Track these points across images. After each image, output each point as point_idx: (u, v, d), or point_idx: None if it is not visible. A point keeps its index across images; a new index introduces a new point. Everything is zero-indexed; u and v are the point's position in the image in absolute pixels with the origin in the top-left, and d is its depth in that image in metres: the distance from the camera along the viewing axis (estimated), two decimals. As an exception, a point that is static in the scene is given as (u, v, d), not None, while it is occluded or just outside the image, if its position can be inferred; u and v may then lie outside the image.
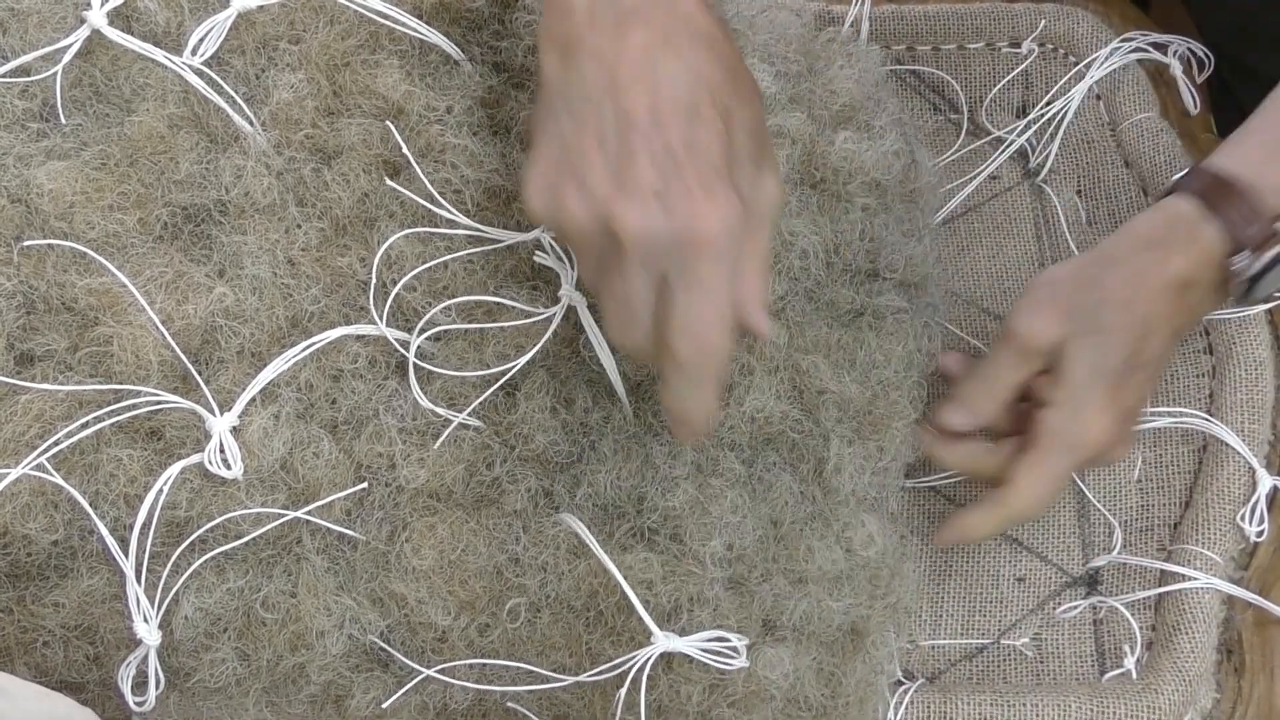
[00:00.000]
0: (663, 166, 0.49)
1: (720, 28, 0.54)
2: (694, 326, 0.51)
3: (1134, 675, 0.67)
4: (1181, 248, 0.64)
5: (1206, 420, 0.71)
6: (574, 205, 0.50)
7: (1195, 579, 0.67)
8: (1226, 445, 0.70)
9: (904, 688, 0.66)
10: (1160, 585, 0.68)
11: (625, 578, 0.57)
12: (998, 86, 0.83)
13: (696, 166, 0.50)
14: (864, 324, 0.67)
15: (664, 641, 0.56)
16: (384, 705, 0.58)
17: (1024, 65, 0.83)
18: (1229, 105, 0.80)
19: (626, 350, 0.55)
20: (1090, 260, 0.66)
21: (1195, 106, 0.80)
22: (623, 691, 0.56)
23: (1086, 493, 0.72)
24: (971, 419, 0.67)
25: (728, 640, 0.56)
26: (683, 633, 0.57)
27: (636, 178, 0.49)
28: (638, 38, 0.51)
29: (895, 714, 0.65)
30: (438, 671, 0.58)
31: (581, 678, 0.58)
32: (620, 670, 0.56)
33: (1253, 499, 0.68)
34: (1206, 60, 0.79)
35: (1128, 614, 0.68)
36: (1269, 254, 0.63)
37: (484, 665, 0.59)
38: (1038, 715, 0.64)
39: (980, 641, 0.70)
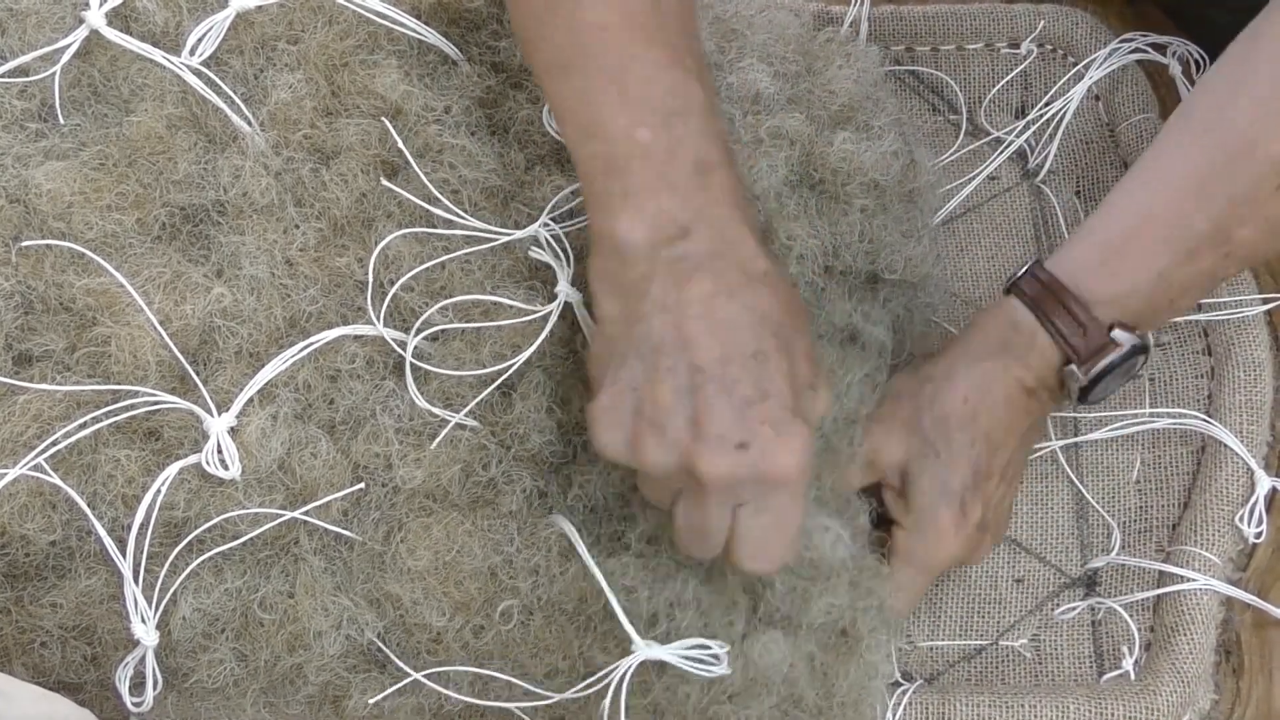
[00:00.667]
0: (739, 414, 0.52)
1: (775, 265, 0.55)
2: (768, 550, 0.55)
3: (1132, 676, 0.67)
4: (1020, 355, 0.65)
5: (1205, 421, 0.71)
6: (655, 453, 0.53)
7: (1194, 580, 0.67)
8: (1225, 446, 0.70)
9: (902, 689, 0.66)
10: (1158, 586, 0.68)
11: (610, 583, 0.57)
12: (997, 87, 0.83)
13: (769, 409, 0.52)
14: (852, 352, 0.67)
15: (645, 650, 0.56)
16: (370, 701, 0.58)
17: (1023, 66, 0.83)
18: None
19: (695, 559, 0.58)
20: (933, 372, 0.67)
21: None
22: (606, 703, 0.55)
23: (1085, 494, 0.72)
24: None
25: (709, 648, 0.56)
26: (668, 636, 0.57)
27: (716, 428, 0.52)
28: (701, 288, 0.53)
29: (894, 715, 0.65)
30: (427, 676, 0.58)
31: (562, 695, 0.58)
32: (604, 682, 0.56)
33: (1251, 500, 0.68)
34: (1203, 61, 0.79)
35: (1126, 615, 0.68)
36: (1098, 366, 0.64)
37: (476, 674, 0.59)
38: (1036, 716, 0.64)
39: (979, 643, 0.70)
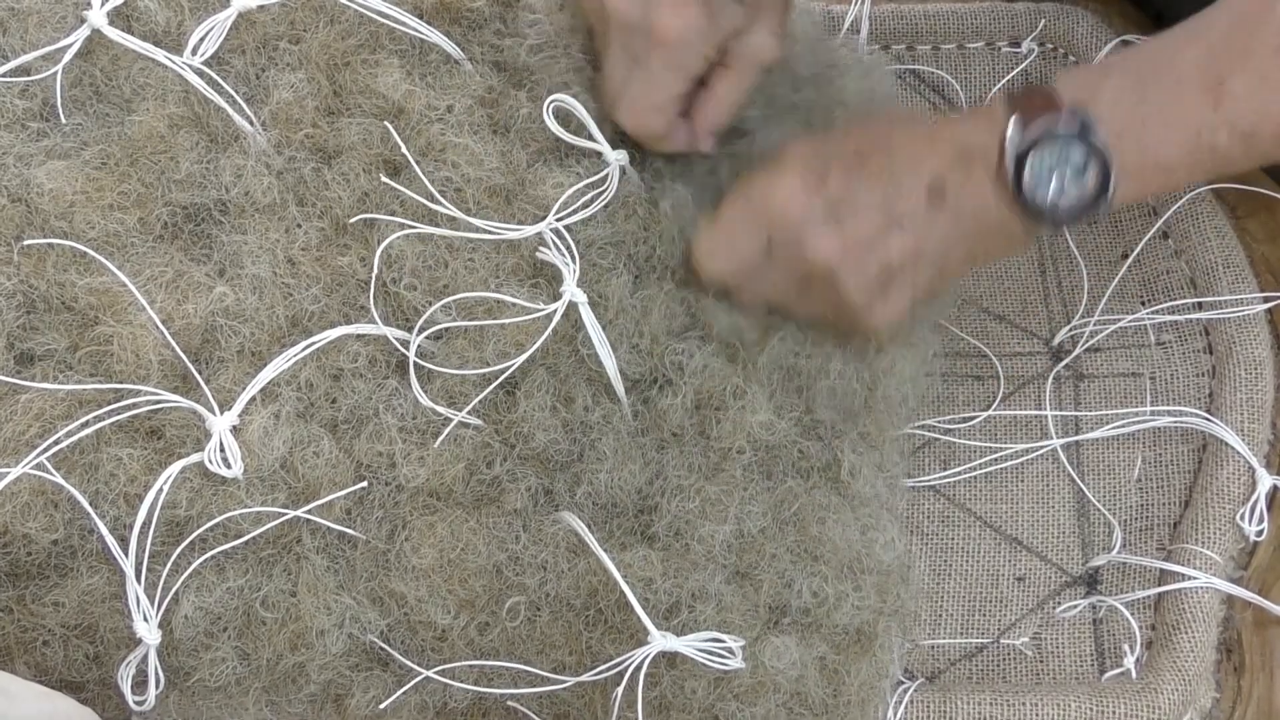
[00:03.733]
0: None
1: None
2: (634, 105, 0.63)
3: (1133, 674, 0.67)
4: (966, 117, 0.63)
5: (1206, 419, 0.71)
6: None
7: (1195, 578, 0.67)
8: (1226, 445, 0.70)
9: (904, 687, 0.66)
10: (1160, 584, 0.68)
11: (624, 576, 0.57)
12: (998, 86, 0.83)
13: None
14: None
15: (660, 641, 0.56)
16: (382, 705, 0.58)
17: (1024, 65, 0.83)
18: None
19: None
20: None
21: None
22: (619, 691, 0.56)
23: (1086, 492, 0.72)
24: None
25: (723, 641, 0.56)
26: (683, 629, 0.57)
27: None
28: None
29: (895, 713, 0.65)
30: (436, 673, 0.58)
31: (579, 679, 0.58)
32: (618, 669, 0.56)
33: (1252, 498, 0.68)
34: None
35: (1127, 613, 0.68)
36: (1036, 127, 0.57)
37: (483, 666, 0.59)
38: (1037, 715, 0.64)
39: (980, 641, 0.70)
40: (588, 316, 0.60)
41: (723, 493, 0.61)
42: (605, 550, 0.58)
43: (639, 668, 0.56)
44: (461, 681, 0.59)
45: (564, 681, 0.58)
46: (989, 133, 0.58)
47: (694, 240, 0.63)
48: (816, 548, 0.61)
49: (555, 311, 0.60)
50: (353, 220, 0.62)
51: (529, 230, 0.62)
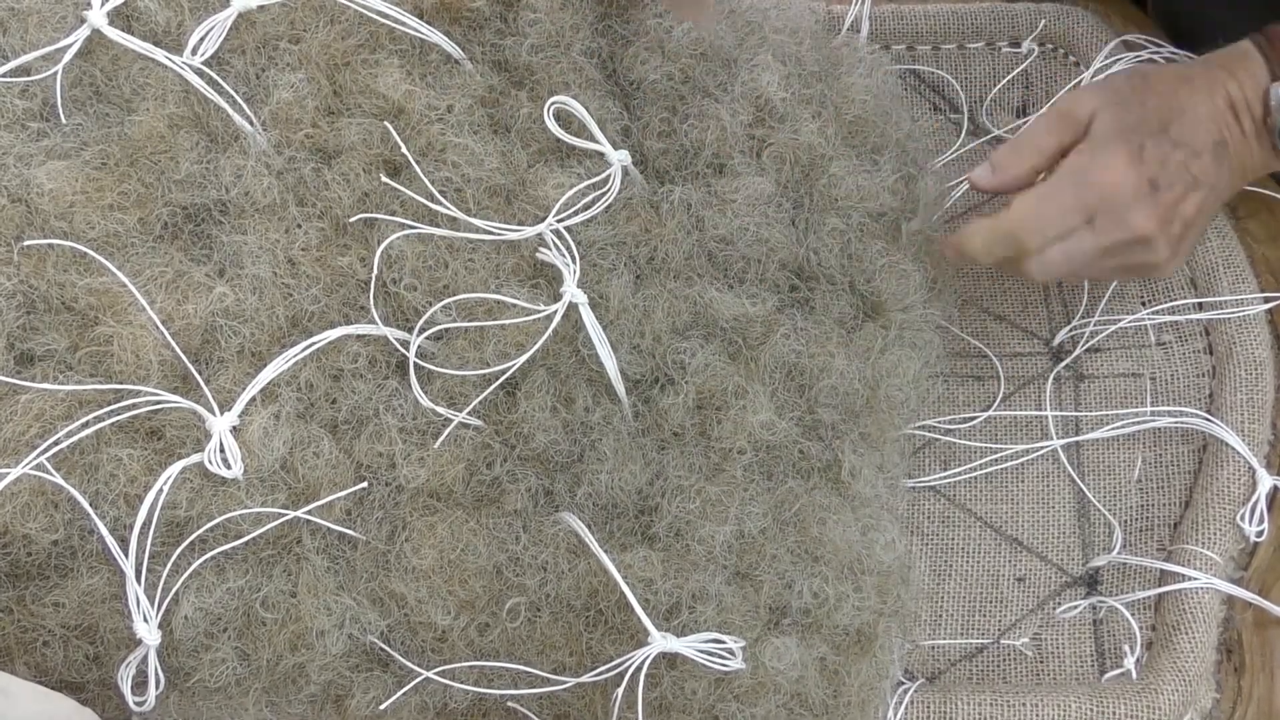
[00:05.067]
0: None
1: None
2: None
3: (1134, 675, 0.67)
4: (1230, 69, 0.67)
5: (1206, 420, 0.71)
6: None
7: (1195, 579, 0.67)
8: (1226, 445, 0.70)
9: (904, 688, 0.66)
10: (1160, 585, 0.68)
11: (625, 576, 0.57)
12: (998, 86, 0.83)
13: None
14: (872, 331, 0.67)
15: (661, 642, 0.56)
16: (382, 706, 0.58)
17: (1024, 65, 0.83)
18: None
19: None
20: (1147, 67, 0.70)
21: None
22: (620, 691, 0.56)
23: (1087, 493, 0.72)
24: (995, 177, 0.68)
25: (724, 642, 0.56)
26: (683, 630, 0.57)
27: None
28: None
29: (895, 714, 0.65)
30: (436, 673, 0.58)
31: (579, 680, 0.58)
32: (618, 670, 0.56)
33: (1253, 499, 0.68)
34: None
35: (1127, 614, 0.68)
36: None
37: (484, 667, 0.59)
38: (1037, 715, 0.64)
39: (980, 641, 0.70)
40: (588, 317, 0.60)
41: (723, 493, 0.61)
42: (605, 551, 0.57)
43: (639, 669, 0.56)
44: (461, 682, 0.59)
45: (564, 682, 0.58)
46: (1253, 88, 0.66)
47: (1015, 213, 0.66)
48: (817, 548, 0.61)
49: (556, 312, 0.60)
50: (352, 220, 0.62)
51: (530, 231, 0.62)
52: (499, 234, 0.62)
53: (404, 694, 0.58)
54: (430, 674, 0.58)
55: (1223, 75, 0.67)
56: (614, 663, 0.57)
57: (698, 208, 0.65)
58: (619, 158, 0.64)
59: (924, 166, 0.73)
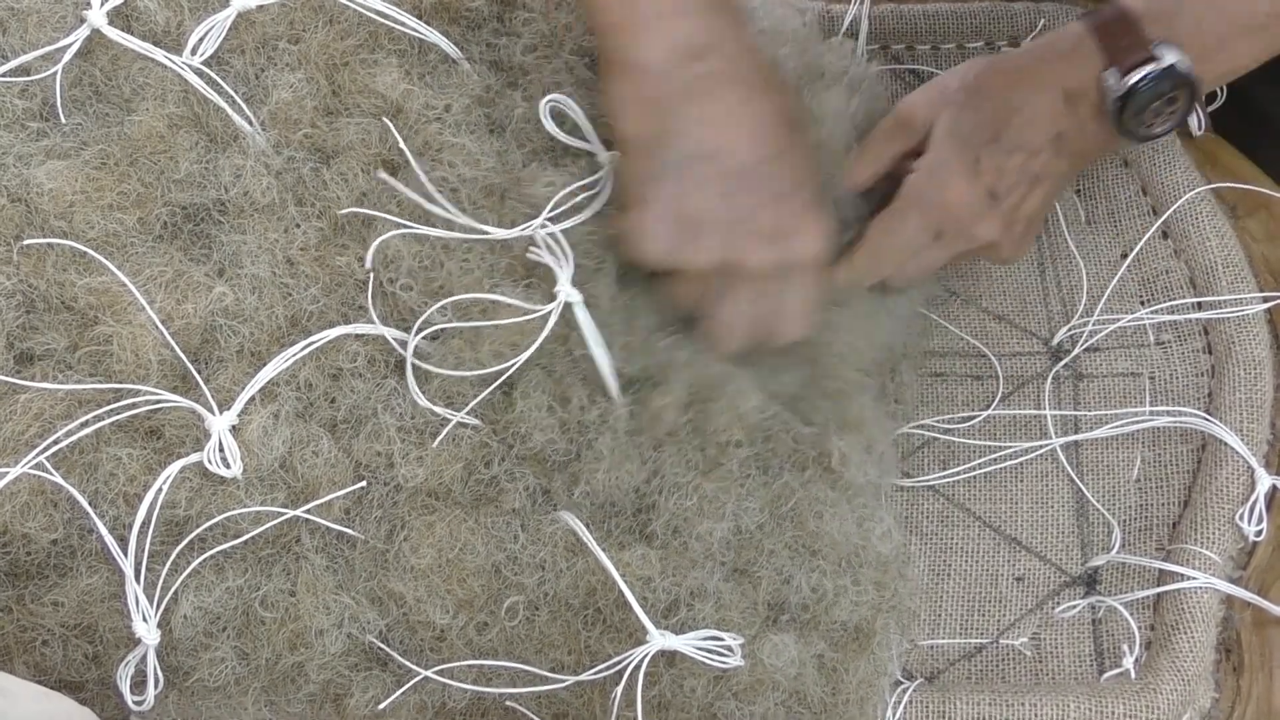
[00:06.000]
0: (775, 208, 0.58)
1: (774, 66, 0.60)
2: (798, 321, 0.64)
3: (1132, 675, 0.67)
4: (1065, 56, 0.66)
5: (1205, 419, 0.71)
6: (701, 254, 0.59)
7: (1194, 578, 0.67)
8: (1225, 445, 0.70)
9: (903, 687, 0.66)
10: (1159, 585, 0.68)
11: (623, 575, 0.57)
12: (997, 86, 0.83)
13: (800, 200, 0.59)
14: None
15: (659, 640, 0.56)
16: (381, 705, 0.58)
17: (1023, 65, 0.83)
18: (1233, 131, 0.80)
19: (730, 351, 0.64)
20: (980, 64, 0.69)
21: (1200, 128, 0.79)
22: (619, 690, 0.56)
23: (1086, 492, 0.72)
24: (846, 183, 0.69)
25: (722, 639, 0.56)
26: (682, 627, 0.57)
27: (757, 225, 0.58)
28: (726, 99, 0.58)
29: (894, 714, 0.65)
30: (435, 672, 0.58)
31: (577, 678, 0.58)
32: (617, 668, 0.56)
33: (1251, 498, 0.68)
34: (1219, 90, 0.79)
35: (1126, 613, 0.68)
36: (1134, 76, 0.64)
37: (482, 666, 0.59)
38: (1036, 715, 0.64)
39: (979, 641, 0.70)
40: (582, 316, 0.60)
41: (720, 489, 0.61)
42: (603, 549, 0.58)
43: (638, 667, 0.56)
44: (460, 681, 0.59)
45: (563, 681, 0.58)
46: (1088, 77, 0.65)
47: (869, 247, 0.67)
48: (814, 543, 0.62)
49: (551, 312, 0.60)
50: (343, 212, 0.62)
51: (519, 231, 0.62)
52: (493, 234, 0.62)
53: (403, 693, 0.59)
54: (429, 673, 0.58)
55: (1059, 67, 0.66)
56: (612, 661, 0.57)
57: None
58: (610, 158, 0.64)
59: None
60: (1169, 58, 0.63)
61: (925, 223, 0.67)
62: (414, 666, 0.58)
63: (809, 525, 0.62)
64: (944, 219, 0.67)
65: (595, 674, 0.57)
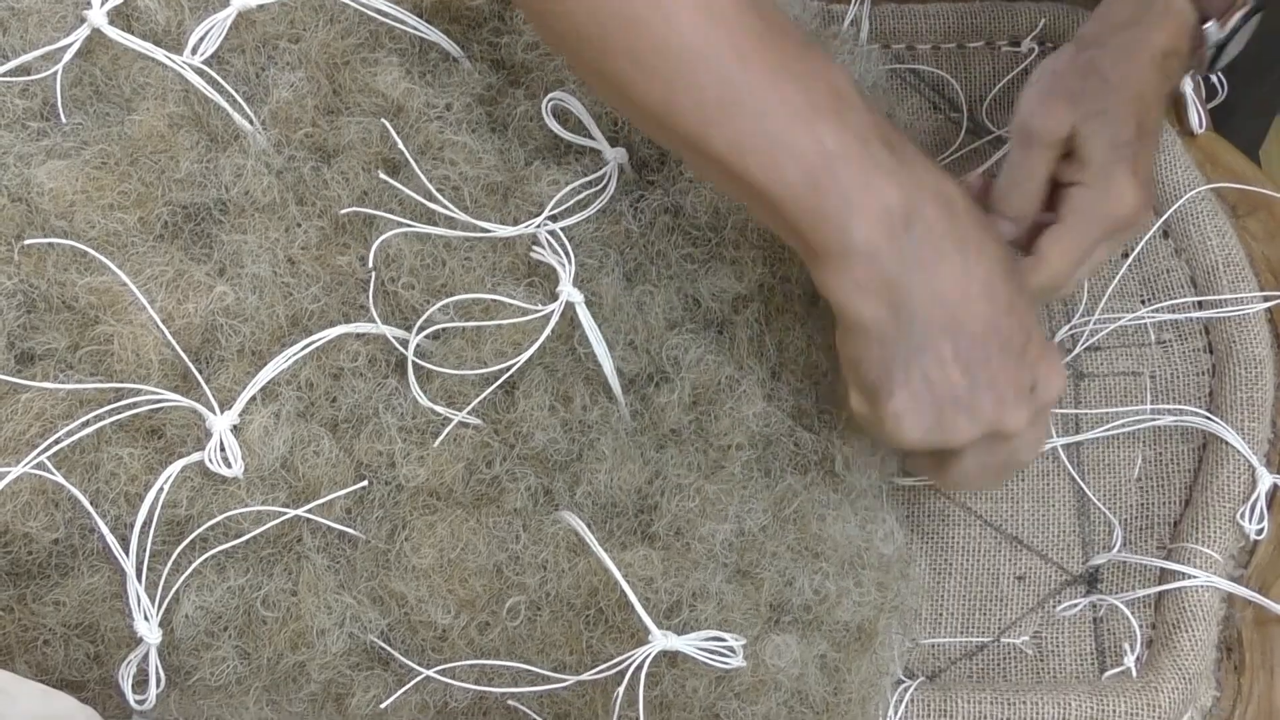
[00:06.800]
0: (1019, 364, 0.58)
1: (959, 186, 0.59)
2: (1037, 447, 0.64)
3: (1134, 673, 0.67)
4: (1159, 22, 0.68)
5: (1206, 418, 0.71)
6: (966, 430, 0.58)
7: (1195, 577, 0.67)
8: (1226, 443, 0.70)
9: (904, 686, 0.66)
10: (1160, 583, 0.68)
11: (625, 575, 0.57)
12: (998, 85, 0.83)
13: (1035, 346, 0.59)
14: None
15: (661, 640, 0.56)
16: (382, 705, 0.58)
17: (1024, 64, 0.83)
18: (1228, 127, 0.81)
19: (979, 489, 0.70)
20: (1079, 47, 0.69)
21: (1200, 125, 0.80)
22: (621, 690, 0.56)
23: (1087, 491, 0.72)
24: (1014, 225, 0.69)
25: (724, 640, 0.56)
26: (684, 628, 0.57)
27: (1012, 387, 0.58)
28: (952, 267, 0.56)
29: (895, 712, 0.65)
30: (437, 672, 0.58)
31: (580, 678, 0.58)
32: (619, 669, 0.56)
33: (1252, 497, 0.68)
34: (1220, 87, 0.79)
35: (1128, 612, 0.68)
36: (1232, 20, 0.68)
37: (484, 665, 0.59)
38: (1038, 714, 0.64)
39: (980, 639, 0.70)
40: (584, 316, 0.60)
41: (722, 491, 0.61)
42: (605, 549, 0.58)
43: (640, 667, 0.56)
44: (462, 681, 0.59)
45: (565, 681, 0.58)
46: (1183, 35, 0.68)
47: (1044, 274, 0.67)
48: (817, 545, 0.62)
49: (553, 312, 0.60)
50: (344, 211, 0.62)
51: (520, 229, 0.62)
52: (494, 233, 0.62)
53: (404, 692, 0.59)
54: (430, 673, 0.58)
55: (1155, 36, 0.68)
56: (614, 661, 0.57)
57: (675, 196, 0.65)
58: (615, 155, 0.64)
59: None
60: None
61: (1104, 235, 0.67)
62: (415, 666, 0.58)
63: (812, 528, 0.62)
64: (1117, 225, 0.67)
65: (597, 674, 0.57)
